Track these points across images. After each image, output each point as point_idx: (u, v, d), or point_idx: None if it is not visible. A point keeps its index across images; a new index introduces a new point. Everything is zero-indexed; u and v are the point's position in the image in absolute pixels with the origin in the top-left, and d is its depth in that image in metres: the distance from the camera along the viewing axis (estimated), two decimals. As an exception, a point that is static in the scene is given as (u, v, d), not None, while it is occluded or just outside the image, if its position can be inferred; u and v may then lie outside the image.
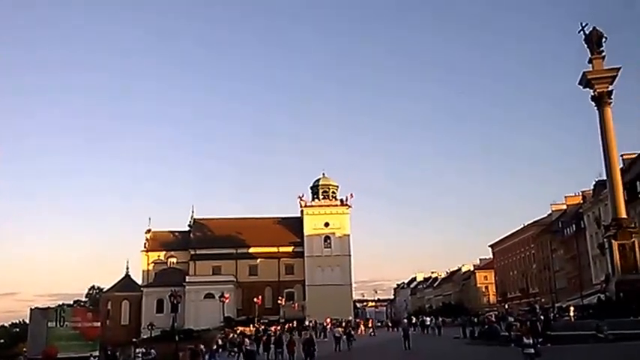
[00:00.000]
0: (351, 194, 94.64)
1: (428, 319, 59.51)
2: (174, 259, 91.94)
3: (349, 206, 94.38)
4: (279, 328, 58.76)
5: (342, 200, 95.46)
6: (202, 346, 34.71)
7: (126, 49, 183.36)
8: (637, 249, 32.67)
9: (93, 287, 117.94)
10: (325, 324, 57.58)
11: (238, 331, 56.46)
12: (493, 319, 44.98)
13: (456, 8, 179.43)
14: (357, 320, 58.24)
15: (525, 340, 14.45)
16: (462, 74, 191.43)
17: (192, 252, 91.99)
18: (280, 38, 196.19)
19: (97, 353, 34.86)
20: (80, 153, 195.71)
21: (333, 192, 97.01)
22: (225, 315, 69.91)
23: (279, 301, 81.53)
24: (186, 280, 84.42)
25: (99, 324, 38.08)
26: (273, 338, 35.91)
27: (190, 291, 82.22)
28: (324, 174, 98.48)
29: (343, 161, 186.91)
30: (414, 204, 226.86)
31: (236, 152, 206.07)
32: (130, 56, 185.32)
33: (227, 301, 65.97)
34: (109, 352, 37.41)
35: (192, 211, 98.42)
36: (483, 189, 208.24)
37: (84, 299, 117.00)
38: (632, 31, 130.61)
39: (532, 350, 14.21)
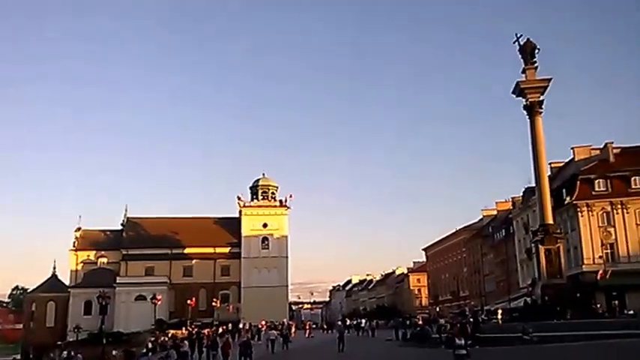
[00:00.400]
0: (291, 195, 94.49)
1: (363, 321, 60.05)
2: (104, 259, 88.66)
3: (288, 207, 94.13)
4: (212, 330, 57.67)
5: (281, 201, 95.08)
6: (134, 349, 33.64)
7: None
8: (562, 254, 34.20)
9: (17, 287, 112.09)
10: (260, 326, 57.07)
11: (170, 334, 55.22)
12: (420, 322, 45.79)
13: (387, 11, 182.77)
14: (289, 322, 58.07)
15: (457, 341, 14.70)
16: (393, 75, 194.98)
17: (125, 252, 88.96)
18: (219, 38, 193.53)
19: (18, 356, 33.11)
20: (4, 146, 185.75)
21: (273, 193, 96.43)
22: (157, 317, 67.94)
23: (213, 304, 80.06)
24: (117, 280, 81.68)
25: (21, 326, 36.18)
26: (206, 341, 35.14)
27: (121, 292, 79.69)
28: (264, 174, 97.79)
29: (284, 162, 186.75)
30: (352, 207, 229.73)
31: (174, 150, 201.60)
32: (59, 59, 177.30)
33: (159, 302, 64.17)
34: (32, 356, 35.62)
35: (126, 210, 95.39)
36: (419, 194, 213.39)
37: (6, 300, 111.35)
38: (563, 44, 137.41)
39: (464, 351, 14.47)
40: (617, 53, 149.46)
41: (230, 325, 63.30)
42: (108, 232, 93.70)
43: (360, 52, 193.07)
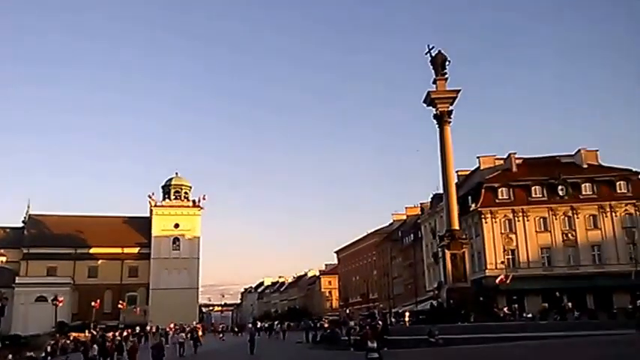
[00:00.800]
0: (204, 196, 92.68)
1: (277, 323, 59.81)
2: (3, 258, 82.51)
3: (201, 208, 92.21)
4: (117, 333, 55.21)
5: (194, 201, 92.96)
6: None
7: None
8: (467, 259, 35.68)
9: None
10: (168, 329, 55.37)
11: (72, 337, 52.50)
12: (326, 324, 46.00)
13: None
14: (196, 325, 56.81)
15: (370, 344, 14.73)
16: (305, 75, 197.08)
17: (25, 251, 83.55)
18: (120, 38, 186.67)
19: None
20: None
21: (186, 192, 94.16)
22: (59, 320, 64.28)
23: (119, 306, 76.96)
24: (16, 281, 77.03)
25: None
26: (110, 344, 33.43)
27: (20, 293, 75.20)
28: (177, 173, 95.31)
29: (198, 162, 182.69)
30: (267, 208, 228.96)
31: (82, 144, 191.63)
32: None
33: (61, 304, 60.74)
34: None
35: (28, 207, 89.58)
36: (334, 197, 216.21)
37: None
38: (473, 58, 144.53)
39: (376, 355, 14.54)
40: (519, 69, 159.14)
41: (137, 328, 61.09)
42: (7, 230, 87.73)
43: (260, 51, 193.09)
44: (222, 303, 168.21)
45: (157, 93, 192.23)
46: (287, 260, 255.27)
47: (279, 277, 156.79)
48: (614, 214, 51.88)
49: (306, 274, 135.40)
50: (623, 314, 40.03)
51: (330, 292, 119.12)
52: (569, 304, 41.53)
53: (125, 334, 50.23)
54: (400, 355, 24.55)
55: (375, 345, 14.90)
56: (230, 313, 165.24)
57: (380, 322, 33.57)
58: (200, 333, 45.31)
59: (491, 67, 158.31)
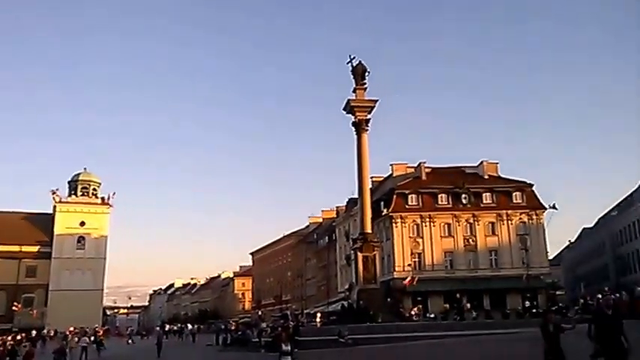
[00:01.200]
0: (114, 193, 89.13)
1: (190, 325, 58.86)
2: None
3: (110, 206, 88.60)
4: (9, 338, 51.86)
5: (103, 199, 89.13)
6: None
7: None
8: (377, 261, 37.01)
9: None
10: (68, 333, 52.82)
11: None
12: (234, 326, 45.91)
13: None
14: (98, 328, 54.76)
15: (284, 346, 14.84)
16: (229, 85, 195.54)
17: None
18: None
19: None
20: None
21: (94, 189, 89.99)
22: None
23: (14, 308, 72.25)
24: None
25: None
26: (2, 349, 31.54)
27: None
28: (85, 169, 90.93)
29: (109, 159, 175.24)
30: (181, 208, 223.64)
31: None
32: None
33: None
34: None
35: None
36: (252, 198, 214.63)
37: None
38: (393, 70, 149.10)
39: (289, 358, 14.67)
40: (429, 82, 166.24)
41: (33, 332, 57.69)
42: None
43: (176, 58, 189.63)
44: (129, 305, 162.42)
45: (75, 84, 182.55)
46: (200, 262, 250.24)
47: (191, 278, 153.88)
48: (510, 222, 55.77)
49: (219, 276, 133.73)
50: (514, 314, 43.21)
51: (243, 294, 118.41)
52: (468, 304, 44.12)
53: (19, 338, 47.35)
54: (310, 356, 25.09)
55: (289, 348, 15.07)
56: (137, 315, 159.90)
57: (292, 323, 33.99)
58: (101, 335, 43.84)
59: (406, 79, 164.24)
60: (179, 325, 71.99)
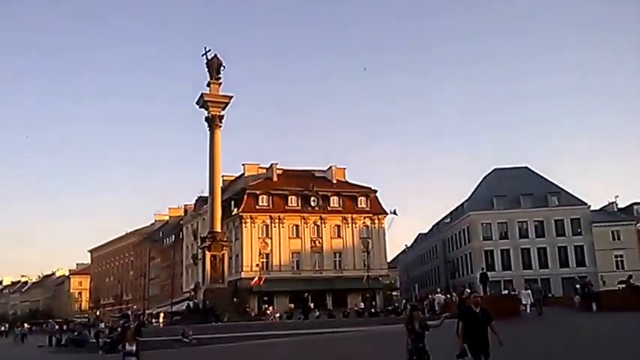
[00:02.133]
0: None
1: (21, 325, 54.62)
2: None
3: None
4: None
5: None
6: None
7: None
8: (226, 261, 37.23)
9: None
10: None
11: None
12: (57, 327, 43.39)
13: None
14: None
15: (128, 346, 14.44)
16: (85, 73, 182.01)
17: None
18: None
19: None
20: None
21: None
22: None
23: None
24: None
25: None
26: None
27: None
28: None
29: None
30: (13, 201, 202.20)
31: None
32: None
33: None
34: None
35: None
36: (92, 193, 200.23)
37: None
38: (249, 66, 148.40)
39: (134, 358, 14.34)
40: (291, 80, 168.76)
41: None
42: None
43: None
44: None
45: None
46: (31, 259, 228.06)
47: (22, 276, 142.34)
48: (354, 225, 59.04)
49: (53, 274, 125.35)
50: (354, 313, 45.98)
51: (80, 293, 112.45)
52: (312, 304, 46.00)
53: None
54: (152, 357, 24.54)
55: (134, 348, 14.71)
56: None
57: (133, 324, 32.85)
58: None
59: (265, 76, 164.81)
60: (6, 325, 65.85)
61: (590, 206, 62.82)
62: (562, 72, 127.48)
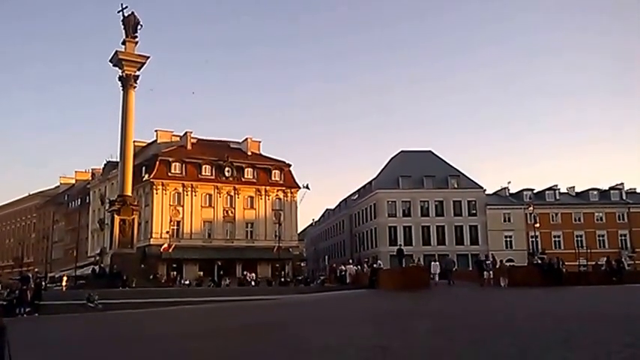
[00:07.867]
0: None
1: None
2: None
3: None
4: None
5: None
6: None
7: None
8: (135, 226, 37.09)
9: None
10: None
11: None
12: None
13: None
14: None
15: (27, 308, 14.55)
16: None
17: None
18: None
19: None
20: None
21: None
22: None
23: None
24: None
25: None
26: None
27: None
28: None
29: None
30: None
31: None
32: None
33: None
34: None
35: None
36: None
37: None
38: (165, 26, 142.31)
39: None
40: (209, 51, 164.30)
41: None
42: None
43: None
44: None
45: None
46: None
47: None
48: (267, 197, 60.06)
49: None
50: (265, 281, 47.33)
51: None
52: (222, 272, 46.81)
53: None
54: (53, 321, 24.33)
55: (31, 309, 14.85)
56: None
57: (32, 286, 32.11)
58: None
59: (186, 40, 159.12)
60: None
61: (485, 190, 67.24)
62: (471, 70, 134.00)
